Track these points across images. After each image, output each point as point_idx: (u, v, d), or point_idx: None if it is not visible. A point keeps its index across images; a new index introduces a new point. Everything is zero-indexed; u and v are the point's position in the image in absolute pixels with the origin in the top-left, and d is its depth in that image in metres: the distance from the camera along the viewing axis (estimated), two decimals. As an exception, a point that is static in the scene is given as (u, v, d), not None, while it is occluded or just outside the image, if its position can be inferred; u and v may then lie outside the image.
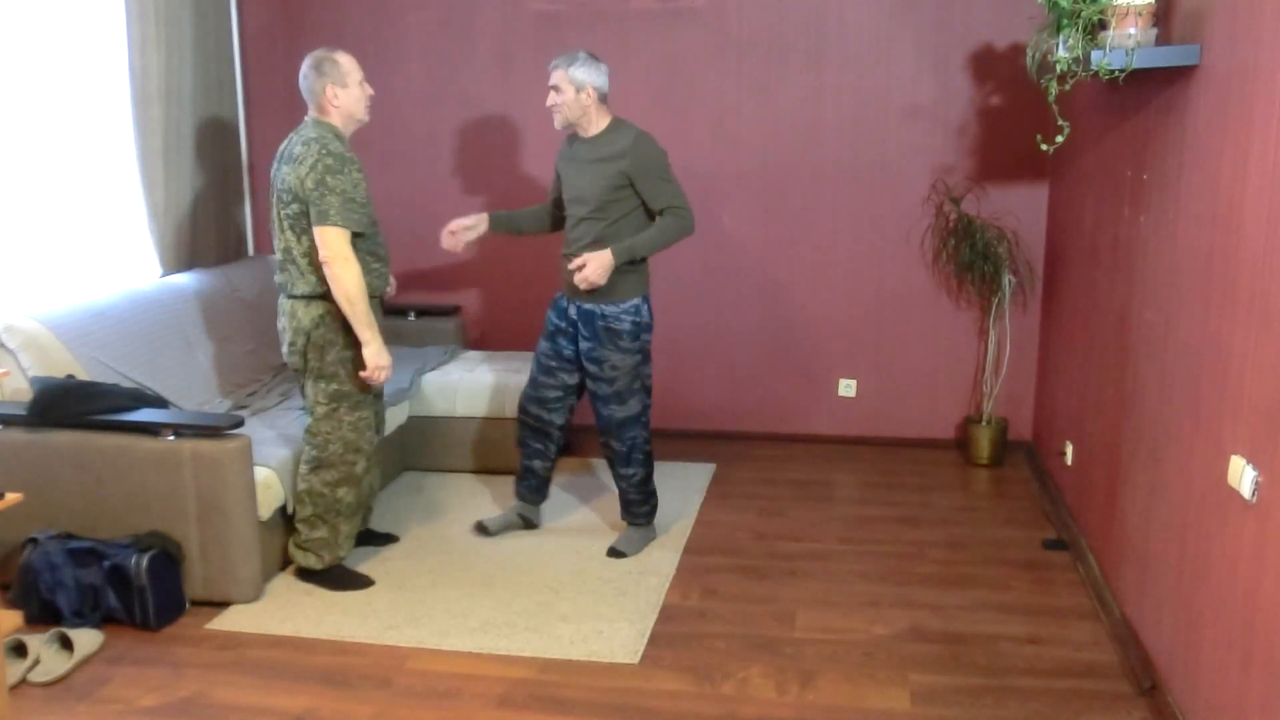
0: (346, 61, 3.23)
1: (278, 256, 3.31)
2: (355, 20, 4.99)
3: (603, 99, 3.49)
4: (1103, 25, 2.82)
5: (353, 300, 3.17)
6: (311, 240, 3.18)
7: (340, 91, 3.21)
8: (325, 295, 3.24)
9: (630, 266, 3.49)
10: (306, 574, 3.48)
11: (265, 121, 4.99)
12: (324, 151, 3.13)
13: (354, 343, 3.28)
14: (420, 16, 4.94)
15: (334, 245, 3.13)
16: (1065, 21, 2.89)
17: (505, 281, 5.07)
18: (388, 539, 3.80)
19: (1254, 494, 2.13)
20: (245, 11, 4.77)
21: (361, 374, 3.29)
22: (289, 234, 3.21)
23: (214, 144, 4.50)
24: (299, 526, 3.42)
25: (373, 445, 3.46)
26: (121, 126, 4.06)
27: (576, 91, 3.42)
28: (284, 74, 5.09)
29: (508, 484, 4.19)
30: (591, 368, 3.55)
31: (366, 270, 3.25)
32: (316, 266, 3.21)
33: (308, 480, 3.38)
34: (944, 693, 2.82)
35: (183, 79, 4.23)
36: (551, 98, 3.46)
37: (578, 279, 3.40)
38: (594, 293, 3.47)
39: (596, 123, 3.50)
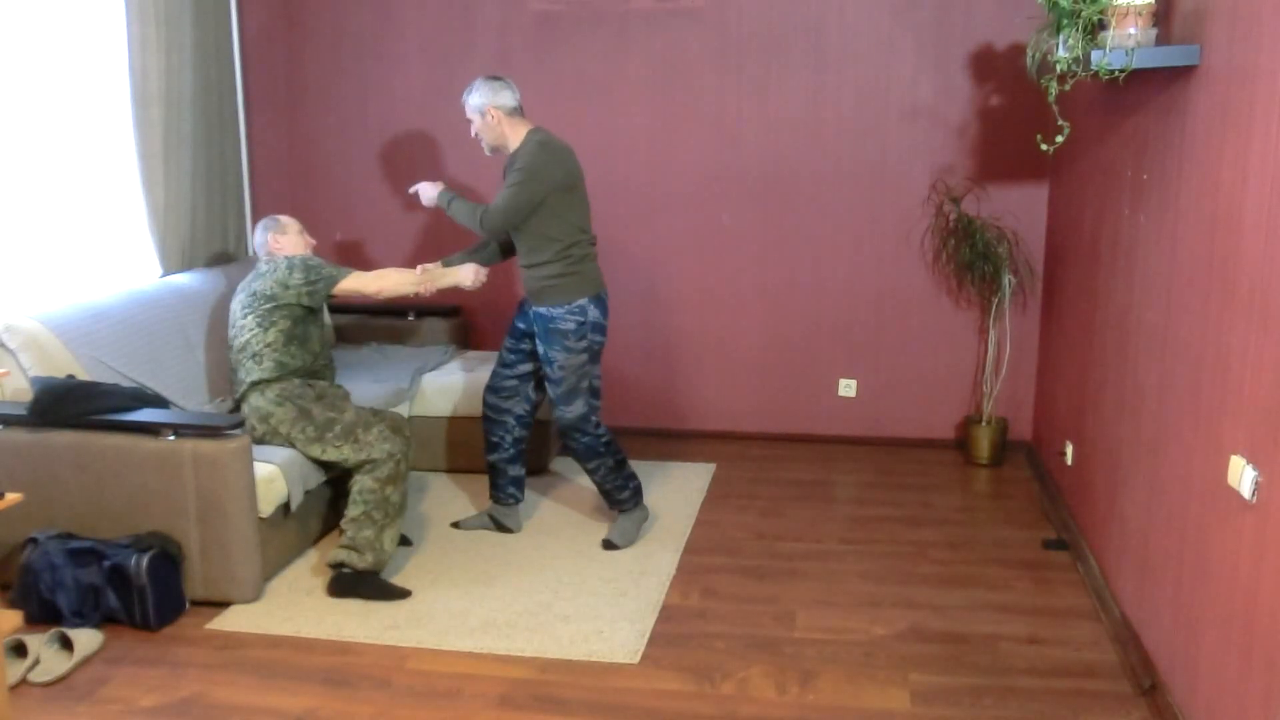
0: (286, 219, 3.76)
1: (234, 364, 3.60)
2: (355, 20, 4.99)
3: (511, 114, 3.54)
4: (1103, 25, 2.82)
5: (400, 284, 3.67)
6: (280, 329, 3.53)
7: (280, 238, 3.69)
8: (282, 376, 3.54)
9: (571, 269, 3.57)
10: (343, 585, 3.39)
11: (265, 121, 4.99)
12: (290, 258, 3.58)
13: (319, 389, 3.61)
14: (420, 16, 4.94)
15: (357, 285, 3.63)
16: (1065, 21, 2.89)
17: (505, 282, 5.07)
18: (403, 542, 3.79)
19: (1254, 494, 2.13)
20: (245, 12, 4.77)
21: (469, 284, 3.75)
22: (255, 331, 3.53)
23: (214, 144, 4.50)
24: (346, 527, 3.43)
25: (409, 445, 3.55)
26: (121, 127, 4.05)
27: (482, 116, 3.54)
28: (284, 74, 5.09)
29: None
30: (545, 368, 3.66)
31: (310, 354, 3.63)
32: (279, 352, 3.53)
33: (359, 481, 3.47)
34: (944, 693, 2.82)
35: (183, 80, 4.23)
36: (471, 130, 3.60)
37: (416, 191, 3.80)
38: (542, 297, 3.59)
39: (514, 137, 3.57)
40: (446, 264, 3.81)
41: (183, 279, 4.21)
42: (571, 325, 3.58)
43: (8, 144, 3.63)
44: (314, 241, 3.80)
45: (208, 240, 4.50)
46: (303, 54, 5.07)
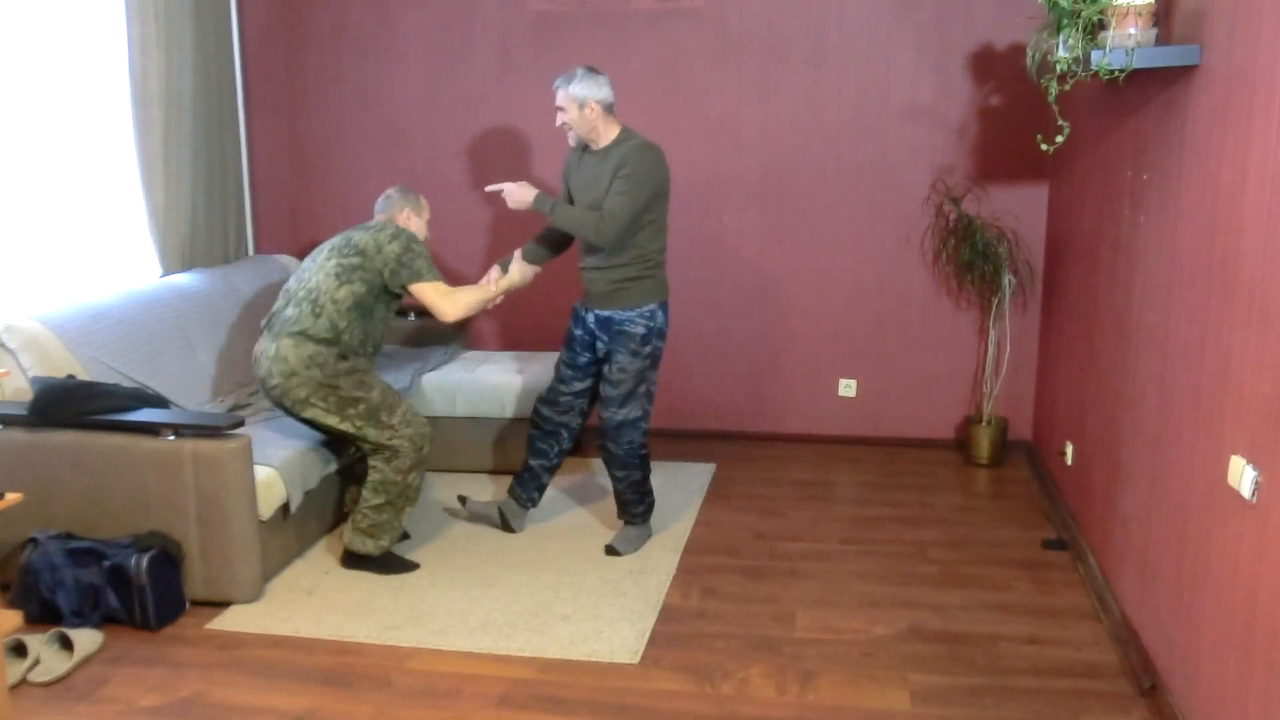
0: (426, 202, 3.75)
1: (291, 295, 3.47)
2: (355, 20, 4.99)
3: (608, 110, 3.51)
4: (1103, 25, 2.82)
5: (473, 306, 3.57)
6: (352, 291, 3.41)
7: (414, 218, 3.67)
8: (327, 341, 3.40)
9: (647, 273, 3.56)
10: (355, 560, 3.56)
11: (265, 121, 4.99)
12: (404, 229, 3.54)
13: (353, 365, 3.45)
14: (420, 16, 4.94)
15: (436, 298, 3.49)
16: (1065, 21, 2.89)
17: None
18: (400, 536, 3.81)
19: (1254, 494, 2.13)
20: (245, 12, 4.77)
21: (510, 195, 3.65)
22: (330, 280, 3.42)
23: (214, 144, 4.50)
24: (365, 511, 3.50)
25: (428, 427, 3.57)
26: (121, 127, 4.06)
27: (580, 108, 3.47)
28: (284, 74, 5.09)
29: (508, 484, 4.19)
30: (606, 369, 3.63)
31: (365, 333, 3.50)
32: (340, 315, 3.40)
33: (381, 471, 3.49)
34: (944, 693, 2.82)
35: (183, 79, 4.23)
36: (560, 118, 3.52)
37: (498, 190, 3.67)
38: (612, 300, 3.57)
39: (606, 134, 3.53)
40: (503, 265, 3.76)
41: (183, 279, 4.21)
42: (640, 329, 3.56)
43: (8, 144, 3.63)
44: (430, 235, 3.76)
45: (208, 240, 4.50)
46: (303, 54, 5.07)
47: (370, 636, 3.15)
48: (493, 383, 4.47)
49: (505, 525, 3.91)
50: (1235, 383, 2.26)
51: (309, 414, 3.44)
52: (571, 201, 3.67)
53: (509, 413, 4.42)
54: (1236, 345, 2.26)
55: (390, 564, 3.57)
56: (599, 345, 3.64)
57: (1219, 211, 2.39)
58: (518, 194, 3.60)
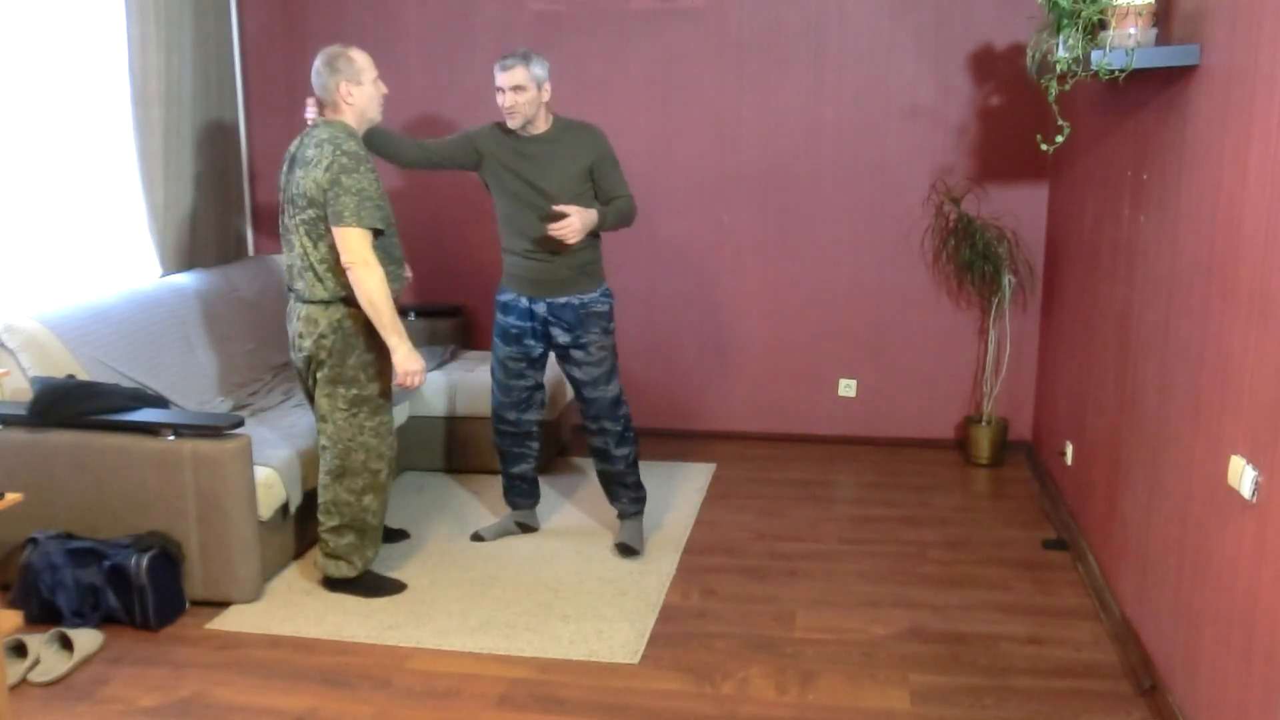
0: (361, 58, 3.15)
1: (291, 264, 3.21)
2: (355, 20, 4.99)
3: (549, 95, 3.50)
4: (1103, 25, 2.82)
5: (376, 304, 3.07)
6: (330, 245, 3.10)
7: (355, 89, 3.13)
8: (345, 299, 3.16)
9: (599, 253, 3.60)
10: (337, 584, 3.40)
11: (265, 122, 4.99)
12: (338, 152, 3.04)
13: (375, 346, 3.21)
14: (420, 16, 4.94)
15: (354, 248, 3.04)
16: (1065, 21, 2.89)
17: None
18: (400, 535, 3.81)
19: (1254, 494, 2.13)
20: (245, 12, 4.77)
21: (395, 382, 3.21)
22: (305, 240, 3.12)
23: (214, 144, 4.50)
24: (325, 536, 3.34)
25: (394, 450, 3.38)
26: (121, 127, 4.06)
27: (539, 88, 3.39)
28: (284, 75, 5.09)
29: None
30: (578, 354, 3.55)
31: (393, 248, 3.24)
32: (335, 271, 3.12)
33: (332, 490, 3.29)
34: (944, 693, 2.82)
35: (183, 80, 4.23)
36: (511, 97, 3.36)
37: (563, 232, 3.29)
38: (574, 285, 3.52)
39: (544, 120, 3.49)
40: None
41: (183, 279, 4.22)
42: (606, 306, 3.57)
43: (8, 144, 3.64)
44: (386, 90, 3.26)
45: (207, 240, 4.51)
46: (303, 54, 5.06)
47: (370, 636, 3.15)
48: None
49: (528, 529, 3.91)
50: (1235, 383, 2.26)
51: (319, 373, 3.22)
52: (508, 179, 3.49)
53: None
54: (1236, 345, 2.26)
55: (373, 586, 3.40)
56: (556, 334, 3.55)
57: (1219, 211, 2.39)
58: (590, 219, 3.38)
